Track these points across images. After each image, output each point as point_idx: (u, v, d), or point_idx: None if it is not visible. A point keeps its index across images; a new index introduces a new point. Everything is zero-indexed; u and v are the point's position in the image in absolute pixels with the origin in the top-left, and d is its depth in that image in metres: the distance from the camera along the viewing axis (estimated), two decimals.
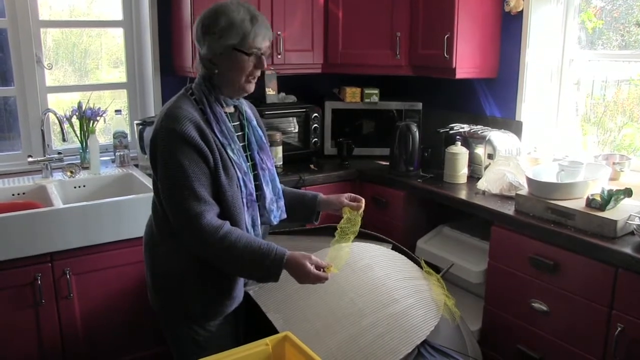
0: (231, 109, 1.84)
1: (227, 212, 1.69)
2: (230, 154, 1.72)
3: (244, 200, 1.74)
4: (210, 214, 1.64)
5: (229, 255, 1.64)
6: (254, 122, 1.89)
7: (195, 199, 1.62)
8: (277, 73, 3.15)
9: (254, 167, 1.83)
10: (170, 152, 1.64)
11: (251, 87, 1.78)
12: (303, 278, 1.66)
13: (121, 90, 3.28)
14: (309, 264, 1.64)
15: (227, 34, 1.68)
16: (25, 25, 2.87)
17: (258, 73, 1.76)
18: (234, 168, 1.71)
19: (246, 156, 1.81)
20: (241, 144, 1.81)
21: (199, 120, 1.67)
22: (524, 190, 2.40)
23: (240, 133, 1.84)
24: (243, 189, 1.73)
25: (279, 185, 1.93)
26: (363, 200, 1.94)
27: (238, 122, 1.85)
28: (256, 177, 1.83)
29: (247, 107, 1.91)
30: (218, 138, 1.70)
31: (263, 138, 1.90)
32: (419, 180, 2.92)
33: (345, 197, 1.96)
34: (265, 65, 1.75)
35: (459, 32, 2.89)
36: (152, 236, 1.82)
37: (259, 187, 1.83)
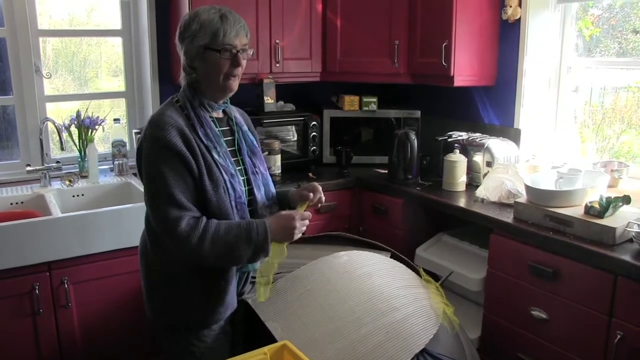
0: (220, 114, 1.86)
1: (214, 217, 1.69)
2: (216, 156, 1.72)
3: (232, 203, 1.73)
4: (187, 219, 1.63)
5: (216, 247, 1.64)
6: (245, 128, 1.90)
7: (173, 206, 1.63)
8: (275, 81, 3.16)
9: (245, 171, 1.84)
10: (153, 160, 1.66)
11: (233, 85, 1.77)
12: (289, 226, 1.71)
13: (120, 99, 3.29)
14: (286, 211, 1.74)
15: (198, 35, 1.70)
16: (24, 35, 2.88)
17: (237, 71, 1.75)
18: (220, 171, 1.72)
19: (237, 160, 1.82)
20: (231, 149, 1.82)
21: (183, 126, 1.69)
22: (523, 197, 2.40)
23: (230, 138, 1.85)
24: (231, 192, 1.73)
25: (273, 190, 1.93)
26: (318, 190, 1.90)
27: (228, 127, 1.86)
28: (248, 182, 1.84)
29: (237, 113, 1.92)
30: (203, 142, 1.71)
31: (255, 142, 1.91)
32: (417, 188, 2.91)
33: (304, 189, 1.92)
34: (242, 63, 1.75)
35: (457, 40, 2.90)
36: (145, 245, 1.83)
37: (251, 192, 1.83)
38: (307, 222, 1.75)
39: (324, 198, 1.91)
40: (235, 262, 1.75)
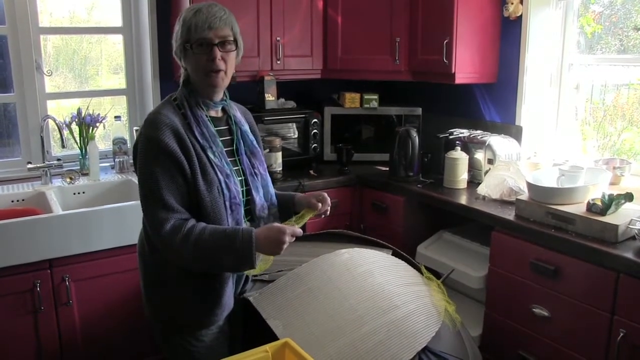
0: (219, 113, 1.84)
1: (208, 218, 1.68)
2: (211, 156, 1.70)
3: (227, 204, 1.71)
4: (174, 221, 1.62)
5: (198, 249, 1.61)
6: (245, 127, 1.87)
7: (162, 207, 1.62)
8: (276, 79, 3.15)
9: (243, 172, 1.82)
10: (146, 161, 1.65)
11: (216, 81, 1.71)
12: (278, 240, 1.63)
13: (121, 96, 3.28)
14: (276, 224, 1.67)
15: (179, 34, 1.71)
16: (25, 32, 2.88)
17: (217, 66, 1.69)
18: (215, 171, 1.70)
19: (234, 161, 1.81)
20: (229, 149, 1.80)
21: (178, 125, 1.67)
22: (524, 195, 2.40)
23: (228, 137, 1.83)
24: (225, 192, 1.71)
25: (272, 192, 1.91)
26: (327, 201, 1.89)
27: (227, 127, 1.84)
28: (246, 182, 1.82)
29: (237, 112, 1.89)
30: (198, 141, 1.70)
31: (255, 143, 1.88)
32: (418, 185, 2.91)
33: (313, 197, 1.90)
34: (218, 55, 1.68)
35: (458, 37, 2.89)
36: (143, 245, 1.82)
37: (249, 192, 1.82)
38: (293, 238, 1.68)
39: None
40: (218, 269, 1.72)
